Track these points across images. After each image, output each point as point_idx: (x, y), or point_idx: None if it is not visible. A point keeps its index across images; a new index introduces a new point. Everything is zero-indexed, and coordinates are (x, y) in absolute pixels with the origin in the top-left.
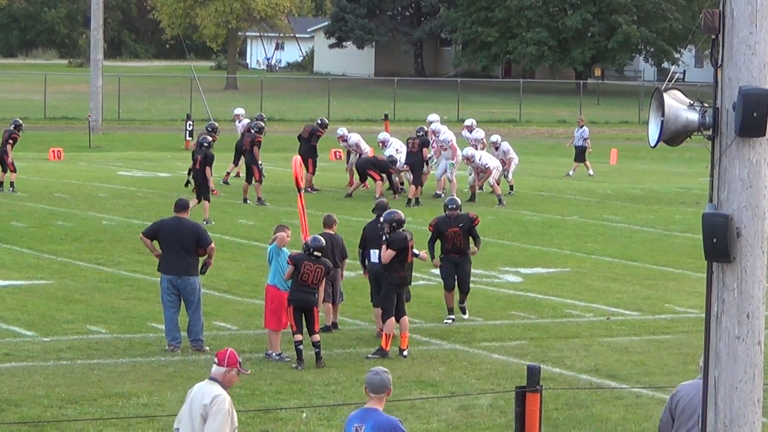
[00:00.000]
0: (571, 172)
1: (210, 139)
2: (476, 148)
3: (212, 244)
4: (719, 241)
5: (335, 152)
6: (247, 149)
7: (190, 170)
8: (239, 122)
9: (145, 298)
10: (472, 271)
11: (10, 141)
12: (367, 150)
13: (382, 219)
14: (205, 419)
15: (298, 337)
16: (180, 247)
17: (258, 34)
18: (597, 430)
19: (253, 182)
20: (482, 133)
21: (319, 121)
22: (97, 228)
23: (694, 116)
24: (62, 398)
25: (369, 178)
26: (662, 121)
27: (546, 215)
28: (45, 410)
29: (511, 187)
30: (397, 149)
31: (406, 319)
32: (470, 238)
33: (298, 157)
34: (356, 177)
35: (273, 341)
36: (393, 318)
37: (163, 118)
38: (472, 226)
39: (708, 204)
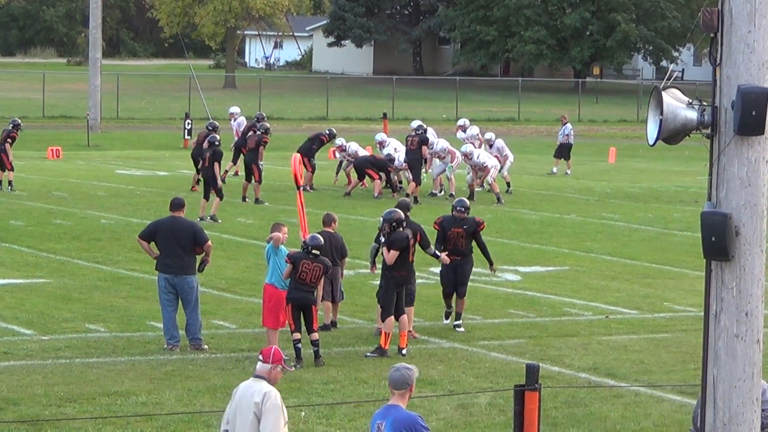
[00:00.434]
0: (554, 169)
1: (218, 137)
2: (474, 146)
3: (209, 242)
4: (718, 240)
5: (334, 151)
6: (251, 147)
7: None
8: (234, 121)
9: (144, 297)
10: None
11: (9, 140)
12: (365, 152)
13: (382, 218)
14: (259, 418)
15: (297, 335)
16: (177, 246)
17: (257, 32)
18: (596, 429)
19: (253, 182)
20: (477, 129)
21: (328, 131)
22: (95, 227)
23: (692, 115)
24: (61, 397)
25: (367, 176)
26: (661, 120)
27: (545, 214)
28: (44, 409)
29: (509, 185)
30: (395, 148)
31: (405, 317)
32: (473, 241)
33: (298, 155)
34: (354, 175)
35: (271, 340)
36: (392, 316)
37: (162, 117)
38: (476, 230)
39: (707, 202)
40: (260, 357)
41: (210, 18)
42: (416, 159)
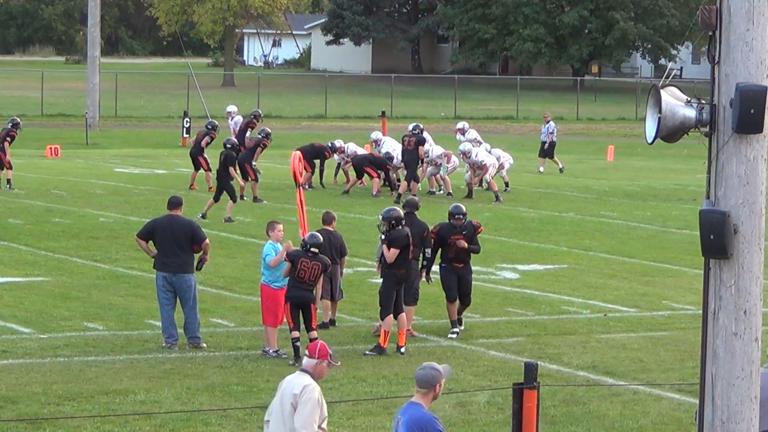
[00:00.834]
0: (541, 168)
1: (235, 141)
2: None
3: (207, 241)
4: (716, 238)
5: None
6: (249, 147)
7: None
8: (231, 119)
9: (142, 295)
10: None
11: (8, 139)
12: (364, 151)
13: (380, 216)
14: (295, 408)
15: (295, 334)
16: (174, 244)
17: (255, 31)
18: (594, 427)
19: (249, 180)
20: (475, 133)
21: (330, 145)
22: (94, 225)
23: (691, 113)
24: (59, 395)
25: (366, 175)
26: (659, 118)
27: (543, 212)
28: (42, 407)
29: (507, 184)
30: (393, 147)
31: (403, 316)
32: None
33: (298, 152)
34: (353, 174)
35: (270, 338)
36: (391, 315)
37: (160, 115)
38: (474, 234)
39: (705, 200)
40: (307, 352)
41: (208, 16)
42: (413, 159)
